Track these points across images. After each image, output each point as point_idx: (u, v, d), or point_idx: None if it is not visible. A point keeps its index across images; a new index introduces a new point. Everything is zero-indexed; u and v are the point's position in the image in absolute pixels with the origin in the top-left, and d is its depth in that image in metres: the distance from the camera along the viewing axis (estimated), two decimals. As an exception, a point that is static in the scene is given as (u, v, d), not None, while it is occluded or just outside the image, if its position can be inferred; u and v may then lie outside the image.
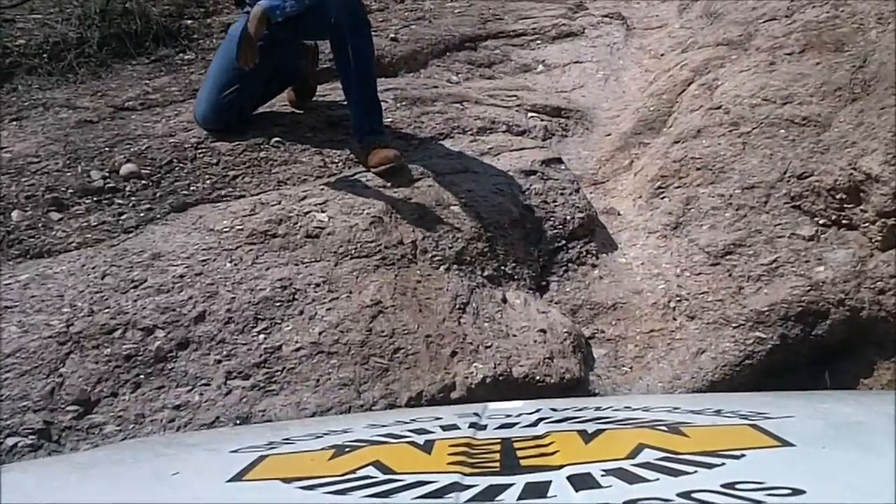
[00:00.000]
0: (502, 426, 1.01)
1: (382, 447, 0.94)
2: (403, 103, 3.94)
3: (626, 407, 1.13)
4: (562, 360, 2.86)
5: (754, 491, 0.62)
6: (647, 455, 0.75)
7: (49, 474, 1.07)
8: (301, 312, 2.73)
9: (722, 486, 0.64)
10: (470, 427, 1.02)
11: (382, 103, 3.58)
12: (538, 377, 2.77)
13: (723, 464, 0.71)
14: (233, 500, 0.76)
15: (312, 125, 3.65)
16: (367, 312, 2.76)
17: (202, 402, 2.50)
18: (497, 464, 0.78)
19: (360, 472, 0.77)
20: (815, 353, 3.07)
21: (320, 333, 2.68)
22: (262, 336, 2.65)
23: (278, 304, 2.73)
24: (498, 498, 0.66)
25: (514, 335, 2.89)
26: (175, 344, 2.59)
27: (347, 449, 0.92)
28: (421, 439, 0.94)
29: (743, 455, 0.74)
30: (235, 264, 2.82)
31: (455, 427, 1.03)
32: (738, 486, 0.63)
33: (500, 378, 2.72)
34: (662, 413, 1.07)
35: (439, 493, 0.68)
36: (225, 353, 2.60)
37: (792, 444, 0.77)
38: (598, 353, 3.05)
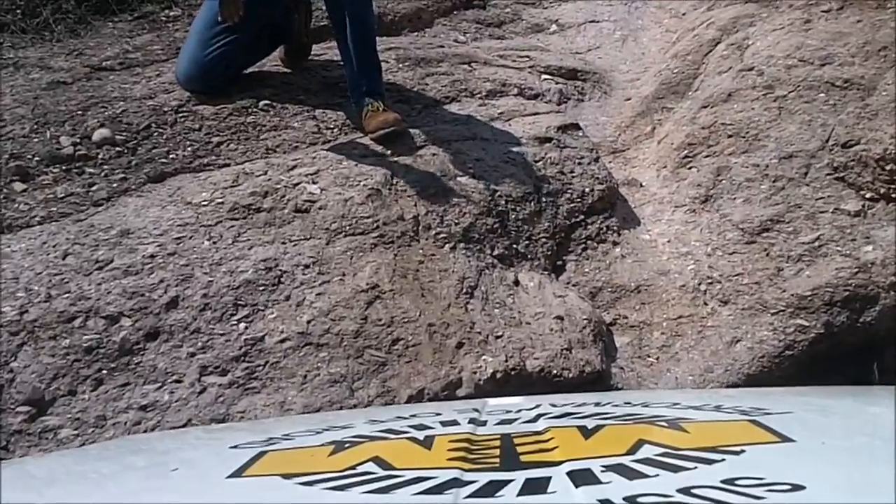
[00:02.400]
0: (502, 422, 0.99)
1: (382, 443, 0.91)
2: (406, 64, 3.52)
3: (625, 402, 1.09)
4: (581, 351, 2.48)
5: (754, 487, 0.60)
6: (647, 451, 0.73)
7: (48, 470, 1.04)
8: (287, 298, 2.34)
9: (722, 481, 0.62)
10: (470, 423, 0.99)
11: (383, 64, 3.17)
12: (555, 371, 2.39)
13: (722, 459, 0.69)
14: (232, 496, 0.74)
15: (306, 87, 3.23)
16: (362, 298, 2.37)
17: (172, 401, 2.13)
18: (497, 460, 0.76)
19: (360, 468, 0.75)
20: (862, 342, 2.68)
21: (309, 322, 2.29)
22: (242, 325, 2.27)
23: (261, 288, 2.35)
24: (498, 494, 0.64)
25: (528, 323, 2.50)
26: (143, 334, 2.22)
27: (347, 445, 0.89)
28: (421, 435, 0.91)
29: (743, 451, 0.72)
30: (214, 242, 2.43)
31: (455, 423, 1.00)
32: (737, 482, 0.61)
33: (512, 372, 2.34)
34: (662, 409, 1.03)
35: (439, 489, 0.66)
36: (199, 344, 2.22)
37: (792, 440, 0.75)
38: (620, 342, 2.67)
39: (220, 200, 2.54)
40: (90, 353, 2.16)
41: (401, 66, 3.50)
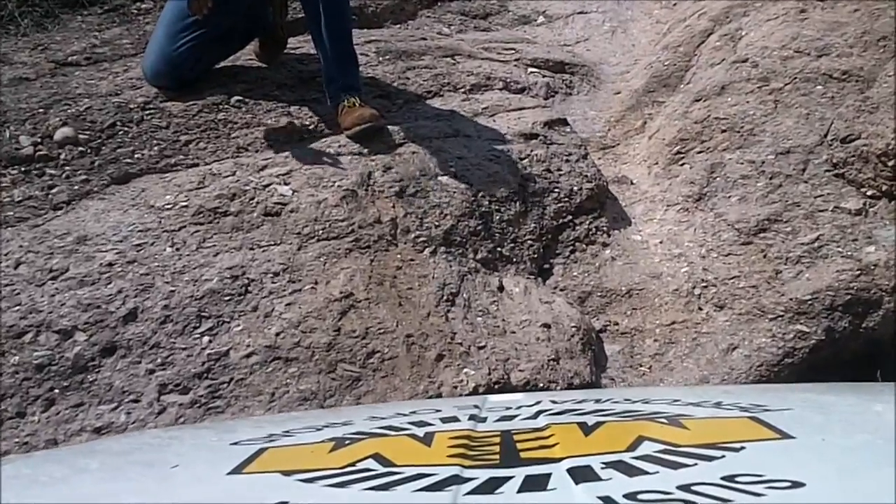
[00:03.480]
0: (502, 418, 0.97)
1: (382, 440, 0.89)
2: (387, 57, 3.33)
3: (625, 399, 1.05)
4: (569, 362, 2.30)
5: (754, 484, 0.58)
6: (647, 447, 0.71)
7: (49, 467, 1.01)
8: (255, 308, 2.16)
9: (722, 478, 0.60)
10: (470, 419, 0.97)
11: (363, 57, 2.98)
12: (541, 383, 2.22)
13: (722, 456, 0.67)
14: (232, 493, 0.72)
15: (280, 82, 3.03)
16: (335, 307, 2.19)
17: (129, 422, 1.95)
18: (497, 456, 0.74)
19: (360, 465, 0.73)
20: (864, 348, 2.51)
21: (277, 335, 2.11)
22: (205, 339, 2.09)
23: (227, 298, 2.16)
24: (498, 491, 0.62)
25: (513, 332, 2.32)
26: (98, 350, 2.03)
27: (347, 441, 0.87)
28: (421, 432, 0.90)
29: (743, 448, 0.70)
30: (177, 249, 2.25)
31: (455, 419, 0.98)
32: (737, 479, 0.59)
33: (496, 386, 2.16)
34: (662, 405, 1.00)
35: (439, 485, 0.64)
36: (159, 360, 2.04)
37: (792, 437, 0.73)
38: (610, 350, 2.49)
39: (184, 204, 2.35)
40: (41, 370, 1.98)
41: (381, 59, 3.30)
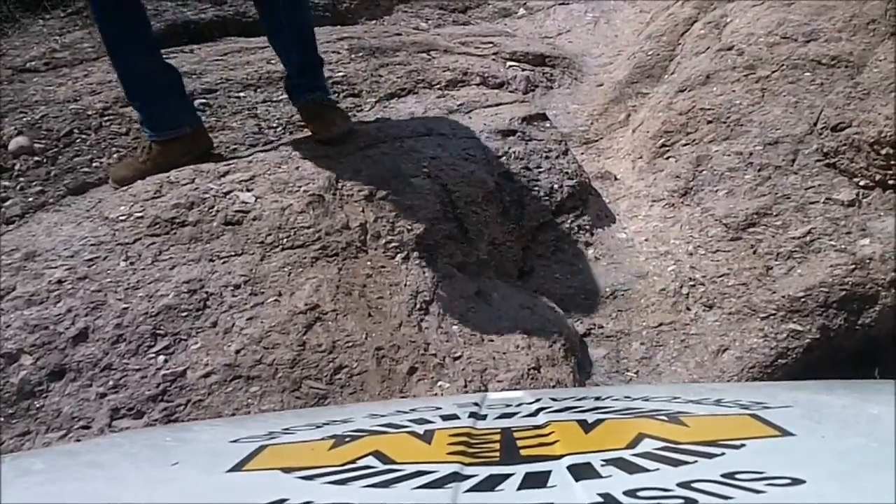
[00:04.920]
0: (502, 416, 0.95)
1: (382, 437, 0.87)
2: (360, 54, 3.18)
3: (625, 397, 1.04)
4: (551, 370, 2.16)
5: (754, 481, 0.58)
6: (647, 445, 0.71)
7: (49, 466, 0.97)
8: (214, 324, 2.02)
9: (722, 475, 0.60)
10: (470, 417, 0.95)
11: (334, 55, 2.85)
12: (521, 394, 2.08)
13: (723, 454, 0.66)
14: (232, 490, 0.71)
15: (246, 83, 2.89)
16: (300, 320, 2.05)
17: (78, 451, 1.80)
18: (497, 454, 0.74)
19: (360, 462, 0.73)
20: (861, 347, 2.37)
21: (238, 352, 1.97)
22: (161, 358, 1.94)
23: (184, 314, 2.02)
24: (498, 488, 0.62)
25: (491, 340, 2.18)
26: (46, 373, 1.88)
27: (347, 439, 0.86)
28: (421, 429, 0.89)
29: (743, 445, 0.69)
30: (131, 263, 2.10)
31: (455, 417, 0.96)
32: (737, 476, 0.59)
33: (473, 399, 2.02)
34: (662, 403, 0.98)
35: (439, 482, 0.64)
36: (111, 383, 1.89)
37: (792, 434, 0.72)
38: (595, 355, 2.35)
39: (139, 214, 2.20)
40: (-16, 398, 1.84)
41: (353, 56, 3.16)
